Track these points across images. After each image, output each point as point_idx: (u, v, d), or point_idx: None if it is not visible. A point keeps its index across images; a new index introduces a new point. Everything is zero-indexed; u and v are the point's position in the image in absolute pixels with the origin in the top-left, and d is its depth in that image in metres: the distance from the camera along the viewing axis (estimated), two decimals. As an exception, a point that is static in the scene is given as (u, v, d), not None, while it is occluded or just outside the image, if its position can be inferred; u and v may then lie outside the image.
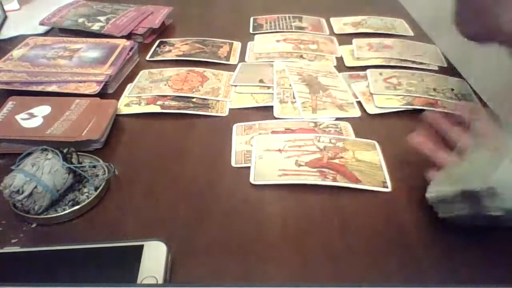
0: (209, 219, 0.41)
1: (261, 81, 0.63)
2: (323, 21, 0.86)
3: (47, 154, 0.41)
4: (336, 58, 0.71)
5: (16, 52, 0.66)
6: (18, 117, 0.51)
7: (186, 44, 0.75)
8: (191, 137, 0.52)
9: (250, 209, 0.42)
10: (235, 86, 0.62)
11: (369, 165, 0.47)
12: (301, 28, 0.82)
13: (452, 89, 0.61)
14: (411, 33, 0.80)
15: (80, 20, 0.78)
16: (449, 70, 0.67)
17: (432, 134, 0.43)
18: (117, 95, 0.60)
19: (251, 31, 0.82)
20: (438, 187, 0.39)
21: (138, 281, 0.33)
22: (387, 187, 0.44)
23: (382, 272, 0.36)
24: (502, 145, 0.36)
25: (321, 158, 0.47)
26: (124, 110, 0.57)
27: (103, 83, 0.59)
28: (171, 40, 0.77)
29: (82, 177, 0.44)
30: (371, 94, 0.60)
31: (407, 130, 0.54)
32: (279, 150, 0.49)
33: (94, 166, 0.45)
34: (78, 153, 0.45)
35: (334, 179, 0.45)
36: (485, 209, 0.34)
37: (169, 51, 0.73)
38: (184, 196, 0.44)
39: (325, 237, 0.39)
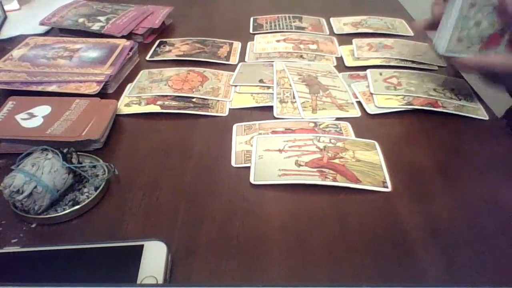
0: (209, 219, 0.41)
1: (261, 81, 0.63)
2: (323, 21, 0.86)
3: (47, 154, 0.41)
4: (336, 58, 0.71)
5: (16, 52, 0.66)
6: (18, 117, 0.51)
7: (186, 44, 0.75)
8: (191, 137, 0.52)
9: (250, 209, 0.42)
10: (235, 86, 0.62)
11: (369, 165, 0.47)
12: (301, 28, 0.82)
13: (452, 89, 0.61)
14: (411, 33, 0.80)
15: (80, 20, 0.78)
16: (449, 70, 0.67)
17: None
18: (117, 95, 0.60)
19: (251, 31, 0.82)
20: None
21: (138, 281, 0.33)
22: (387, 187, 0.44)
23: (382, 272, 0.36)
24: None
25: (321, 158, 0.47)
26: (124, 110, 0.57)
27: (103, 83, 0.59)
28: (171, 40, 0.77)
29: (82, 177, 0.44)
30: (371, 94, 0.60)
31: (407, 130, 0.54)
32: (279, 150, 0.49)
33: (94, 166, 0.45)
34: (78, 153, 0.45)
35: (334, 179, 0.45)
36: None
37: (169, 51, 0.73)
38: (184, 196, 0.44)
39: (325, 237, 0.39)
